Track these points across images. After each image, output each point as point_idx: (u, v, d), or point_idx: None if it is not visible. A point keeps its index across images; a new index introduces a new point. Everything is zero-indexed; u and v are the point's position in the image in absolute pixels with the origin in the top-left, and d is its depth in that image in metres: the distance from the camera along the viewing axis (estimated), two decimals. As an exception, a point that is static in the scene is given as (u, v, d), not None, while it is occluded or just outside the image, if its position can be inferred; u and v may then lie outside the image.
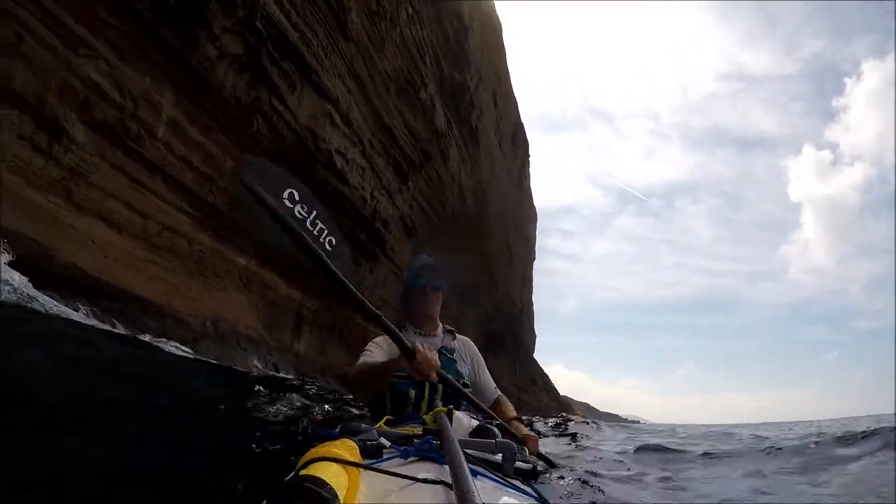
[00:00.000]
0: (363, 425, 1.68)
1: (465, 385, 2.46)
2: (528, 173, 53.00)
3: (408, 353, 1.97)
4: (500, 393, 2.63)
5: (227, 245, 14.86)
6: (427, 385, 2.32)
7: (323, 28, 17.61)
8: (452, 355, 2.54)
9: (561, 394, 71.85)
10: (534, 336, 59.80)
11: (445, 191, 28.51)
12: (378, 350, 2.47)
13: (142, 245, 11.97)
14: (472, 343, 2.70)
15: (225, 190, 14.74)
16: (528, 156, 52.22)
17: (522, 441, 2.17)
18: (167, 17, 12.18)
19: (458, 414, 2.01)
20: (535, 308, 61.25)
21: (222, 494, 2.82)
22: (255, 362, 14.16)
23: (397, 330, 1.98)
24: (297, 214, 1.85)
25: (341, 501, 1.02)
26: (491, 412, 2.39)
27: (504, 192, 40.67)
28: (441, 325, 2.67)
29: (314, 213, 1.93)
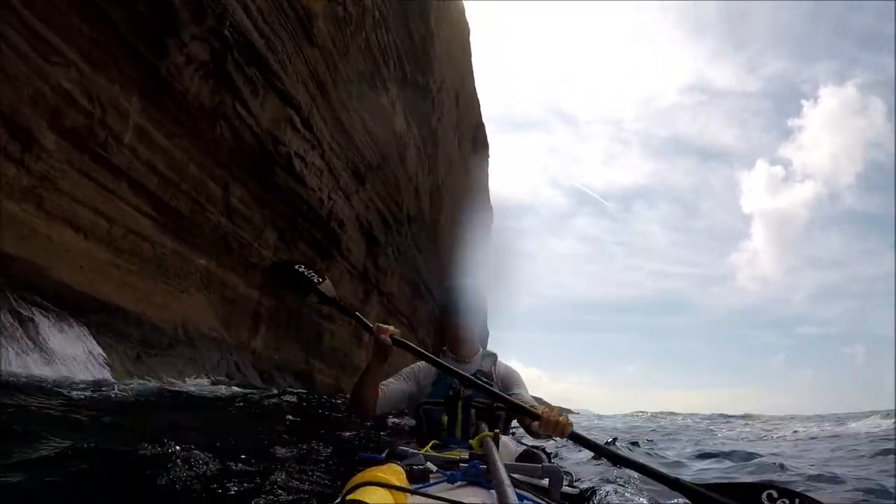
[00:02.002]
0: (409, 450, 1.76)
1: (500, 408, 2.40)
2: (488, 173, 53.90)
3: (369, 328, 2.32)
4: (535, 403, 2.34)
5: (188, 247, 15.29)
6: (459, 409, 2.36)
7: (289, 34, 18.05)
8: (490, 382, 2.47)
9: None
10: (487, 332, 60.95)
11: (402, 192, 29.17)
12: (397, 380, 2.56)
13: (106, 249, 12.25)
14: (514, 369, 2.64)
15: (187, 193, 15.16)
16: (488, 156, 53.10)
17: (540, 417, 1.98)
18: (140, 26, 12.54)
19: (504, 439, 2.00)
20: (490, 305, 62.48)
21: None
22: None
23: (359, 315, 2.48)
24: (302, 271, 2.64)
25: None
26: (527, 406, 2.11)
27: (461, 193, 41.44)
28: (480, 351, 2.66)
29: (312, 270, 2.70)
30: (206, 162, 15.85)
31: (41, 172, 10.70)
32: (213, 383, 12.76)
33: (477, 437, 1.78)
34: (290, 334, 21.08)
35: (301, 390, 19.61)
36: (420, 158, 31.73)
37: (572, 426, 1.95)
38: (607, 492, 4.46)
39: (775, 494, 1.65)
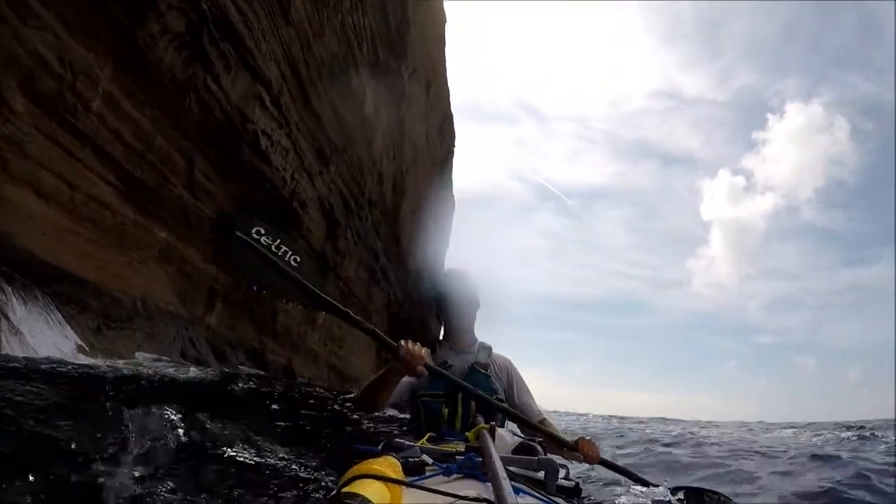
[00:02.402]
0: (405, 442, 1.73)
1: (500, 400, 2.38)
2: (452, 164, 54.21)
3: (391, 348, 2.06)
4: (544, 416, 2.44)
5: (148, 218, 15.15)
6: (460, 402, 2.29)
7: (266, 12, 17.97)
8: (486, 371, 2.45)
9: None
10: (440, 322, 61.62)
11: (365, 176, 29.28)
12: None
13: (67, 216, 12.08)
14: (511, 362, 2.58)
15: (152, 164, 14.99)
16: (454, 146, 53.42)
17: (578, 447, 2.13)
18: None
19: (500, 431, 1.95)
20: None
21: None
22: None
23: (378, 331, 2.21)
24: (264, 244, 2.18)
25: None
26: (525, 419, 2.31)
27: (424, 181, 41.65)
28: (478, 342, 2.60)
29: (278, 239, 2.24)
30: (173, 134, 15.72)
31: (9, 135, 10.51)
32: (175, 365, 12.71)
33: (473, 430, 1.79)
34: (245, 312, 21.08)
35: (255, 370, 19.85)
36: (386, 144, 31.88)
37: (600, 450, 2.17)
38: (602, 485, 4.63)
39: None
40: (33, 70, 10.98)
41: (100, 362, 9.59)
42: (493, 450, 1.39)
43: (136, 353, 12.38)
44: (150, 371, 9.75)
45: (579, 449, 2.10)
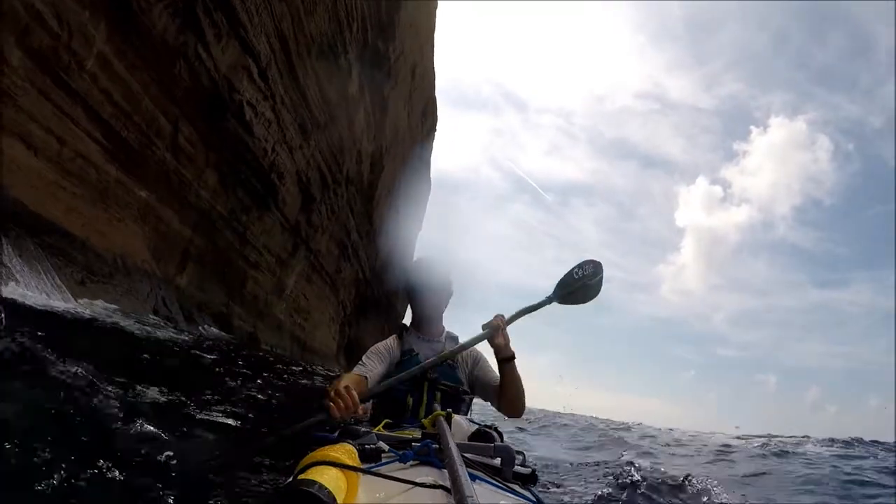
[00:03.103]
0: (362, 429, 1.71)
1: (465, 392, 2.42)
2: (432, 147, 54.67)
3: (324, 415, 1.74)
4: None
5: (131, 177, 15.55)
6: (425, 390, 2.28)
7: (260, -14, 18.47)
8: (453, 362, 2.45)
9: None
10: (406, 303, 62.39)
11: (345, 153, 29.74)
12: (373, 361, 2.39)
13: (54, 169, 12.47)
14: (481, 352, 2.56)
15: (138, 126, 15.38)
16: (435, 130, 53.91)
17: (490, 325, 2.32)
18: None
19: (457, 418, 1.92)
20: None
21: (223, 499, 2.82)
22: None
23: (303, 424, 1.77)
24: None
25: None
26: (489, 388, 2.45)
27: (403, 162, 42.11)
28: (445, 331, 2.60)
29: None
30: (160, 98, 16.12)
31: (3, 88, 10.92)
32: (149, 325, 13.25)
33: (430, 417, 1.79)
34: (216, 276, 21.57)
35: (221, 332, 20.41)
36: (368, 123, 32.35)
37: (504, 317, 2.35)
38: (560, 471, 4.80)
39: None
40: (29, 25, 11.35)
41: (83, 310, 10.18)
42: (449, 436, 1.41)
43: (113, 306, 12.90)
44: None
45: (491, 326, 2.30)
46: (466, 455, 1.44)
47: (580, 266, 2.60)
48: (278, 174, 23.54)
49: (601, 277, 2.60)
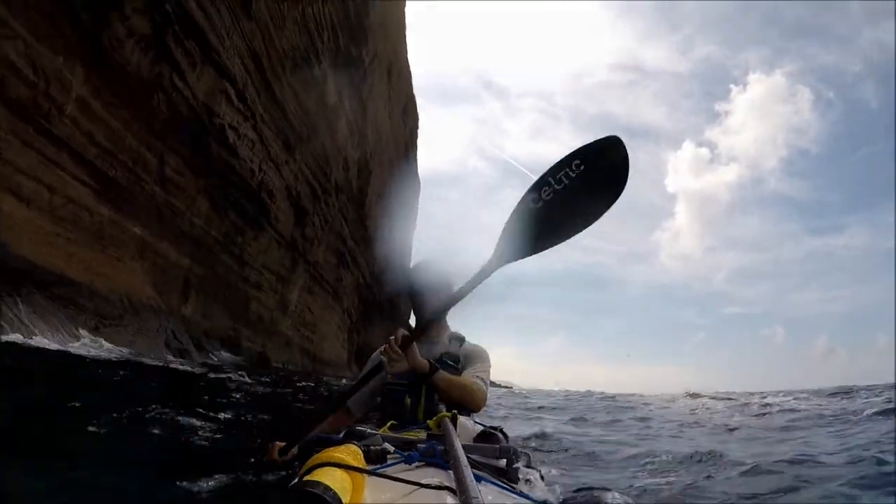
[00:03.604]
0: (367, 430, 1.71)
1: None
2: (416, 144, 54.58)
3: (379, 368, 1.93)
4: (478, 380, 2.27)
5: (123, 215, 15.60)
6: (424, 391, 2.23)
7: (227, 8, 18.33)
8: (457, 364, 2.39)
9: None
10: (410, 305, 62.51)
11: (331, 162, 29.73)
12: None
13: (48, 218, 12.52)
14: (481, 348, 2.49)
15: (124, 164, 15.45)
16: (417, 127, 53.81)
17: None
18: None
19: (462, 419, 1.92)
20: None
21: (227, 500, 2.95)
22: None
23: (356, 382, 2.00)
24: None
25: None
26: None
27: (390, 164, 42.06)
28: (448, 332, 2.54)
29: None
30: (142, 132, 16.14)
31: (-13, 143, 11.00)
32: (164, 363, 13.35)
33: (435, 418, 1.79)
34: (219, 301, 21.65)
35: (233, 356, 20.48)
36: (350, 130, 32.32)
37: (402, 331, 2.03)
38: (562, 472, 4.68)
39: None
40: (6, 77, 11.37)
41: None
42: (454, 437, 1.40)
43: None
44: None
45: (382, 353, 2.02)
46: (472, 456, 1.42)
47: (560, 164, 1.79)
48: (268, 192, 23.55)
49: (623, 157, 1.72)
